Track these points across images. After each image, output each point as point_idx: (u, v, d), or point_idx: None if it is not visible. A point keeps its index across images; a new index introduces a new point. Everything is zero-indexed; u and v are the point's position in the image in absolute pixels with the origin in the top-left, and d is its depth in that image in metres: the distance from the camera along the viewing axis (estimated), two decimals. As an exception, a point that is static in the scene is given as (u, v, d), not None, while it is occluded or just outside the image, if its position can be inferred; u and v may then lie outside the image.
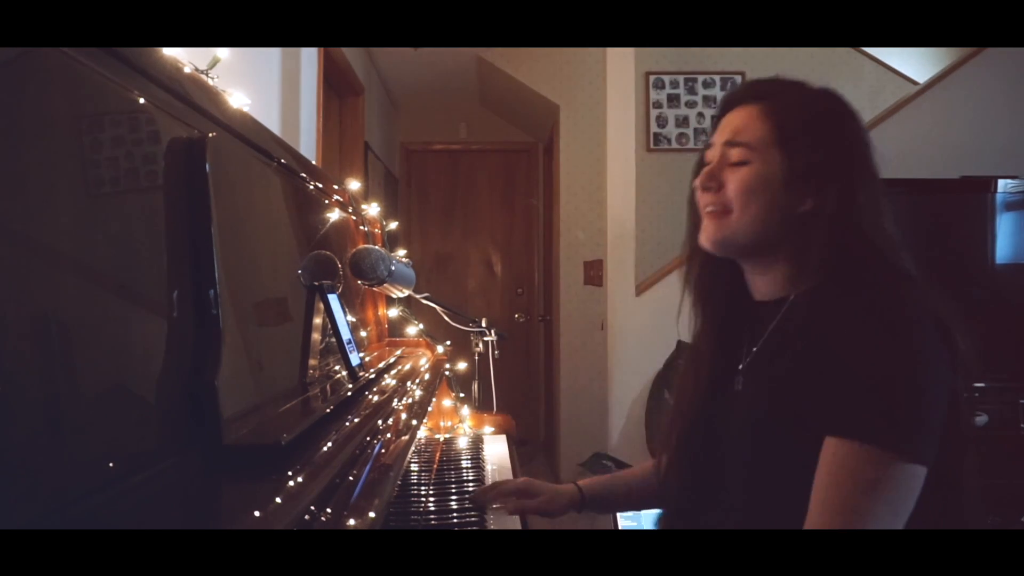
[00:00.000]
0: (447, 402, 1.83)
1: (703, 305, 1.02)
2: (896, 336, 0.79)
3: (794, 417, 0.82)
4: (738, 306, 0.99)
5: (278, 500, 0.54)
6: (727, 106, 0.97)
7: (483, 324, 1.97)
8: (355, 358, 1.07)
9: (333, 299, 1.05)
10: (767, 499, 0.86)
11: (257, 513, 0.51)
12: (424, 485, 1.28)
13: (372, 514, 0.61)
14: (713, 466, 0.95)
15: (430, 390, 1.28)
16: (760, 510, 0.86)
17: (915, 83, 3.59)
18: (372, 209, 1.77)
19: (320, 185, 1.26)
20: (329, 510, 0.58)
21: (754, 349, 0.94)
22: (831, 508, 0.76)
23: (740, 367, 0.95)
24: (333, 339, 1.04)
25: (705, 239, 0.94)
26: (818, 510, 0.77)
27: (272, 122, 2.10)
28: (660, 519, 1.05)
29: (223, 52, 1.05)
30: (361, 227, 1.62)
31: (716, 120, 0.98)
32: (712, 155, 0.95)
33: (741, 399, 0.93)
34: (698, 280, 1.01)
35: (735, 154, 0.91)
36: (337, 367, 1.08)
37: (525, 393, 4.78)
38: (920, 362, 0.79)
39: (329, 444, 0.70)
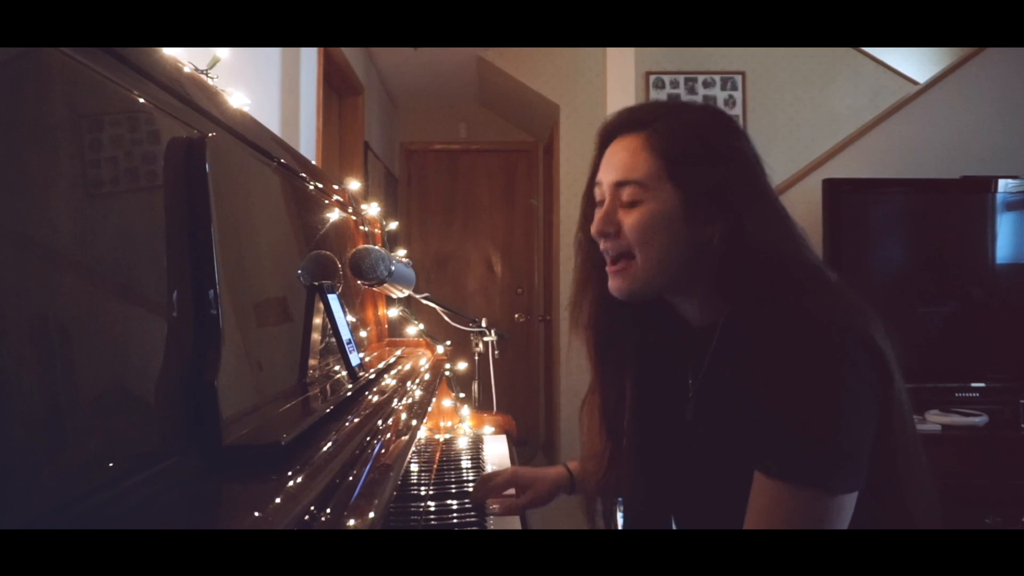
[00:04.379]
0: (447, 402, 1.83)
1: (639, 336, 0.97)
2: (816, 366, 0.76)
3: (747, 453, 0.81)
4: (675, 332, 0.95)
5: (278, 500, 0.54)
6: (607, 138, 0.92)
7: (483, 324, 1.97)
8: (355, 358, 1.07)
9: (333, 299, 1.05)
10: (731, 523, 0.84)
11: (257, 513, 0.51)
12: (424, 485, 1.28)
13: (372, 514, 0.61)
14: (667, 493, 0.93)
15: (430, 390, 1.28)
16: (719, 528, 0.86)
17: (915, 83, 3.59)
18: (372, 209, 1.77)
19: (320, 185, 1.26)
20: (329, 510, 0.58)
21: (700, 377, 0.91)
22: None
23: (689, 395, 0.93)
24: (333, 339, 1.04)
25: (615, 291, 0.90)
26: None
27: (272, 122, 2.10)
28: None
29: (223, 52, 1.05)
30: (361, 227, 1.62)
31: (598, 153, 0.94)
32: (601, 194, 0.91)
33: (694, 430, 0.90)
34: (621, 320, 0.96)
35: (627, 194, 0.87)
36: (337, 367, 1.08)
37: (525, 393, 4.78)
38: (843, 391, 0.76)
39: (329, 444, 0.70)
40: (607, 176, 0.90)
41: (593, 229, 0.90)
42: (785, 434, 0.77)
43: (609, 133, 0.93)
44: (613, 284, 0.90)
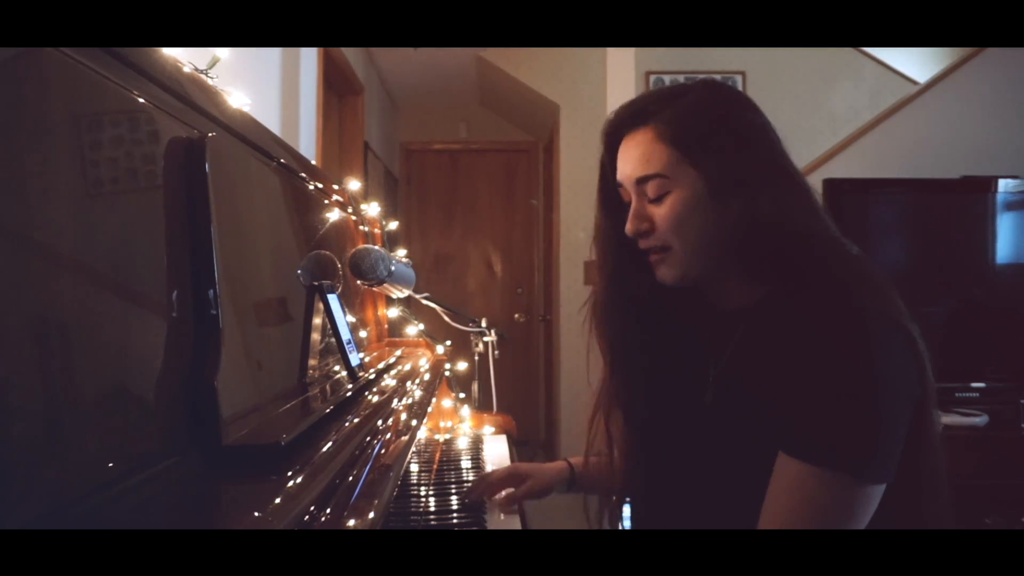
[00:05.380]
0: (447, 402, 1.83)
1: (663, 321, 0.97)
2: (856, 352, 0.76)
3: (769, 437, 0.80)
4: (698, 318, 0.95)
5: (278, 500, 0.54)
6: (614, 136, 0.93)
7: (483, 324, 1.97)
8: (355, 358, 1.07)
9: (333, 299, 1.05)
10: (744, 511, 0.83)
11: (257, 513, 0.51)
12: (424, 485, 1.28)
13: (372, 514, 0.61)
14: (680, 478, 0.92)
15: (430, 390, 1.28)
16: (737, 520, 0.84)
17: (915, 83, 3.59)
18: (372, 209, 1.77)
19: (320, 185, 1.26)
20: (329, 510, 0.58)
21: (723, 361, 0.90)
22: (784, 525, 0.76)
23: (710, 379, 0.91)
24: (333, 339, 1.04)
25: (663, 278, 0.91)
26: (773, 525, 0.77)
27: (272, 122, 2.10)
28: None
29: (223, 52, 1.05)
30: (361, 227, 1.62)
31: (609, 153, 0.94)
32: (627, 194, 0.91)
33: (714, 414, 0.89)
34: (651, 304, 0.97)
35: (652, 188, 0.87)
36: (337, 367, 1.08)
37: (525, 393, 4.78)
38: (881, 379, 0.76)
39: (329, 444, 0.70)
40: (627, 176, 0.90)
41: (628, 229, 0.90)
42: (822, 418, 0.76)
43: (615, 131, 0.93)
44: (660, 273, 0.91)
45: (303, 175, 1.16)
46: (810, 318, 0.79)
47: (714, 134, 0.86)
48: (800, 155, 3.85)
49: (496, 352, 1.97)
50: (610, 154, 0.94)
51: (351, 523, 0.58)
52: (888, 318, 0.79)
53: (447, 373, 1.78)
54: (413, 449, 0.96)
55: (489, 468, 1.46)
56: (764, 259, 0.86)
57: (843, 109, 3.75)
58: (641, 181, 0.88)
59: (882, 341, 0.77)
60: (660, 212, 0.88)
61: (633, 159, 0.89)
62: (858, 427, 0.75)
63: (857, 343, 0.76)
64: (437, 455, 1.50)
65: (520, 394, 4.72)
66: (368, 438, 0.80)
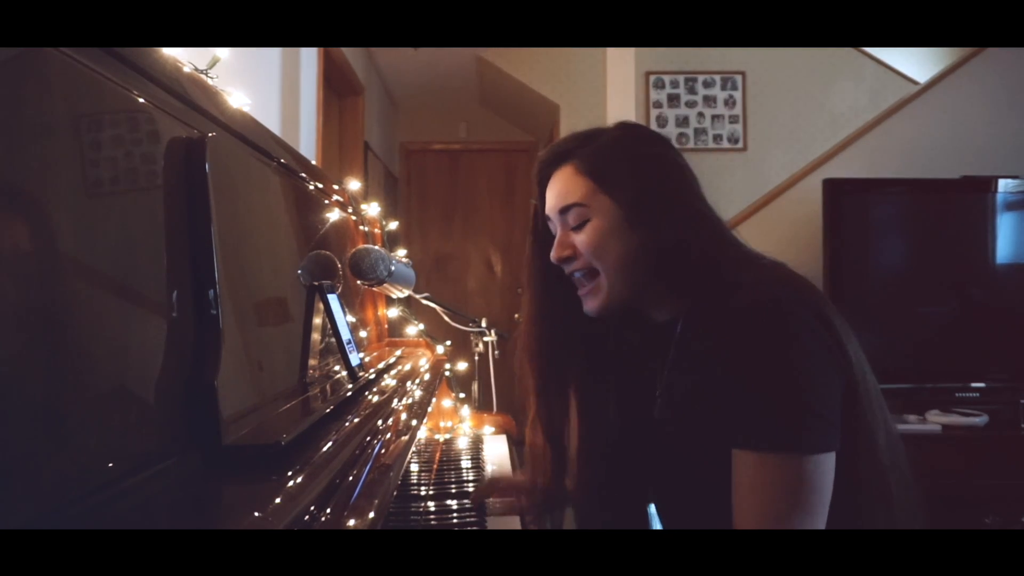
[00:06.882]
0: (447, 402, 1.83)
1: (601, 345, 1.02)
2: (770, 334, 0.80)
3: (718, 443, 0.83)
4: (639, 336, 0.99)
5: (278, 500, 0.54)
6: (542, 176, 1.00)
7: (483, 324, 1.97)
8: (355, 358, 1.07)
9: (333, 299, 1.05)
10: (703, 519, 0.86)
11: (257, 513, 0.51)
12: (424, 485, 1.28)
13: (372, 514, 0.61)
14: (638, 492, 0.96)
15: (430, 390, 1.28)
16: (710, 524, 0.86)
17: (915, 83, 3.59)
18: (372, 209, 1.77)
19: (320, 185, 1.26)
20: (329, 510, 0.58)
21: (665, 374, 0.94)
22: (755, 518, 0.78)
23: (656, 393, 0.95)
24: (333, 339, 1.04)
25: (590, 311, 0.95)
26: (746, 522, 0.79)
27: (272, 122, 2.10)
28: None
29: (223, 52, 1.05)
30: (361, 227, 1.62)
31: (539, 192, 1.02)
32: (554, 226, 0.98)
33: (662, 427, 0.92)
34: (574, 339, 1.01)
35: (572, 217, 0.94)
36: (337, 367, 1.08)
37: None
38: (797, 353, 0.80)
39: (329, 444, 0.70)
40: (552, 208, 0.97)
41: (553, 256, 0.97)
42: (749, 404, 0.80)
43: (543, 171, 1.00)
44: (587, 306, 0.96)
45: (303, 175, 1.16)
46: (727, 314, 0.84)
47: (625, 167, 0.93)
48: (800, 155, 3.86)
49: (496, 352, 1.97)
50: (540, 193, 1.01)
51: (351, 523, 0.58)
52: (798, 301, 0.83)
53: (447, 373, 1.78)
54: (413, 449, 0.96)
55: (489, 468, 1.46)
56: (679, 280, 0.91)
57: (843, 109, 3.75)
58: (563, 211, 0.95)
59: (793, 319, 0.81)
60: (581, 239, 0.93)
61: (556, 193, 0.96)
62: (783, 403, 0.78)
63: (770, 325, 0.80)
64: (437, 455, 1.51)
65: (520, 394, 4.71)
66: (368, 438, 0.80)
